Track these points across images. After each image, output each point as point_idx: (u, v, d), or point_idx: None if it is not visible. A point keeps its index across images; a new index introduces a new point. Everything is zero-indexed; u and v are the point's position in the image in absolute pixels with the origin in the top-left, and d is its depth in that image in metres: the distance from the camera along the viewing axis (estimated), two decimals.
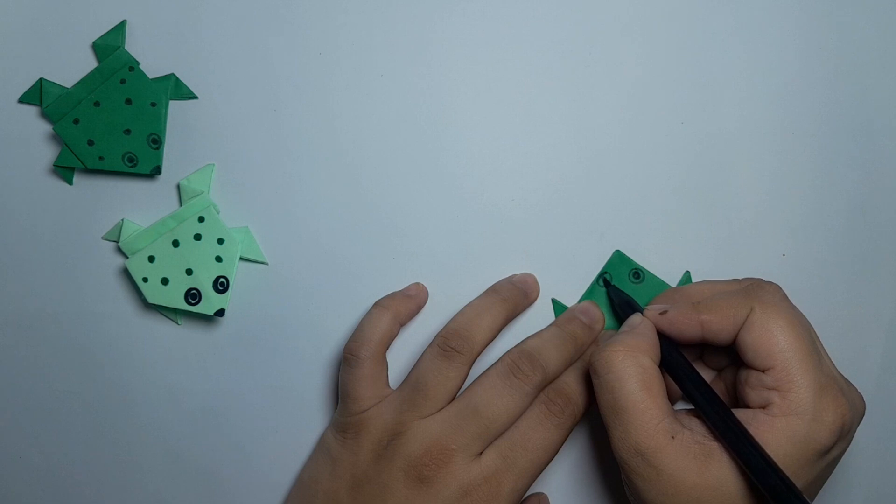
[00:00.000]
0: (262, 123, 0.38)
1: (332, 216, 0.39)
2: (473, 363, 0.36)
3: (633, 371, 0.32)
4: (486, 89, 0.38)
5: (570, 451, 0.39)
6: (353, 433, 0.36)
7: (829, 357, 0.33)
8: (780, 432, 0.31)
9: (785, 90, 0.38)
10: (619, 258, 0.38)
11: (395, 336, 0.38)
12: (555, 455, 0.35)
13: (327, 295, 0.39)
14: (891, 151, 0.38)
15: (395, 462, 0.34)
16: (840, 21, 0.38)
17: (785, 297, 0.33)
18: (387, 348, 0.37)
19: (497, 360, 0.36)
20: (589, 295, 0.38)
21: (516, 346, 0.36)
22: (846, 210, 0.38)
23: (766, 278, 0.37)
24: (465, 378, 0.36)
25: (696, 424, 0.32)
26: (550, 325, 0.38)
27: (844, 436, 0.31)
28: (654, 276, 0.38)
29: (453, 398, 0.36)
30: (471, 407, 0.35)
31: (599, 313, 0.38)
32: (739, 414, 0.32)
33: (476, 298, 0.38)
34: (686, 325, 0.33)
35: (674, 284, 0.38)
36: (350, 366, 0.36)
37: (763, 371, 0.32)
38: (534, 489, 0.38)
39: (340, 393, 0.37)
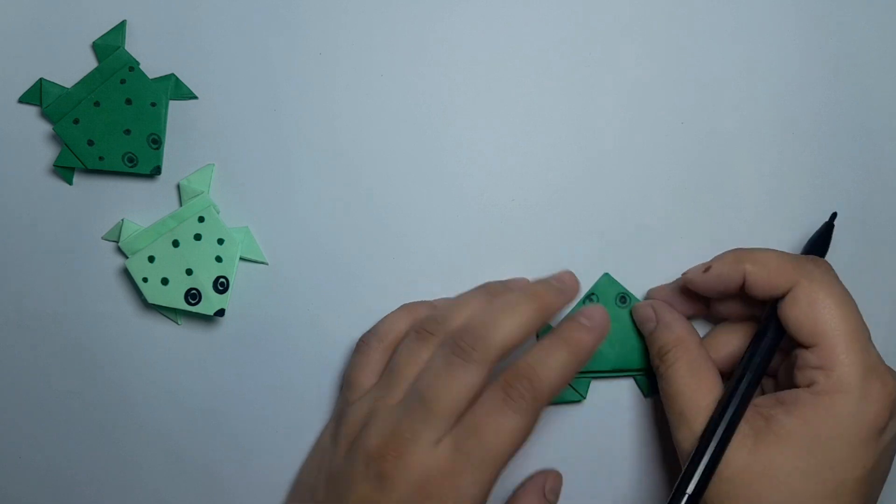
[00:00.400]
0: (262, 123, 0.38)
1: (333, 216, 0.39)
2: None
3: (684, 358, 0.34)
4: (486, 89, 0.38)
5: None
6: (337, 422, 0.35)
7: (873, 344, 0.32)
8: (825, 411, 0.30)
9: (785, 90, 0.38)
10: (607, 281, 0.38)
11: None
12: (523, 442, 0.31)
13: (327, 295, 0.39)
14: (891, 151, 0.38)
15: (358, 454, 0.32)
16: (840, 21, 0.38)
17: (836, 276, 0.33)
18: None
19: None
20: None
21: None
22: (846, 210, 0.38)
23: None
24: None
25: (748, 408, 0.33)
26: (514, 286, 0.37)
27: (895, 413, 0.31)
28: (639, 301, 0.38)
29: None
30: (416, 391, 0.32)
31: (576, 283, 0.35)
32: (784, 395, 0.32)
33: (468, 292, 0.37)
34: (729, 271, 0.34)
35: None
36: (358, 352, 0.36)
37: (807, 348, 0.31)
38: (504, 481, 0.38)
39: (344, 378, 0.37)
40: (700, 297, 0.36)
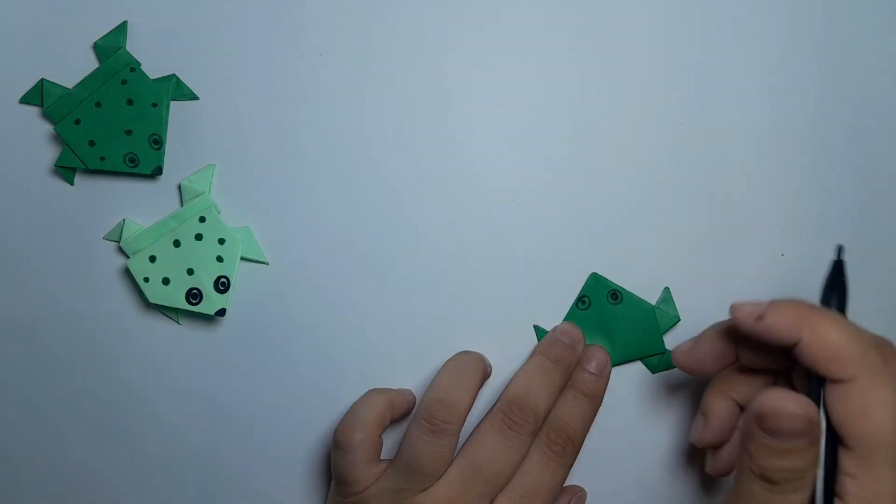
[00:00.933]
0: (263, 124, 0.38)
1: (333, 216, 0.39)
2: (461, 429, 0.35)
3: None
4: (486, 89, 0.38)
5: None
6: None
7: None
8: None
9: (784, 90, 0.38)
10: (595, 280, 0.38)
11: (388, 424, 0.37)
12: (561, 489, 0.36)
13: (327, 295, 0.39)
14: (891, 151, 0.38)
15: None
16: (840, 21, 0.38)
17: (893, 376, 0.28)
18: (382, 432, 0.36)
19: (489, 412, 0.36)
20: (569, 318, 0.38)
21: (504, 391, 0.36)
22: (845, 210, 0.38)
23: (765, 278, 0.38)
24: (457, 444, 0.35)
25: None
26: (533, 354, 0.37)
27: None
28: (632, 296, 0.38)
29: (449, 464, 0.35)
30: (473, 467, 0.34)
31: (580, 333, 0.38)
32: None
33: (449, 361, 0.37)
34: (782, 336, 0.29)
35: (652, 301, 0.38)
36: (344, 450, 0.35)
37: (844, 446, 0.28)
38: None
39: (335, 476, 0.36)
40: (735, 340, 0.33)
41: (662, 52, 0.38)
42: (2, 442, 0.41)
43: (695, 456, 0.39)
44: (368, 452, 0.35)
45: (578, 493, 0.38)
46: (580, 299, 0.38)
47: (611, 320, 0.38)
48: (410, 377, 0.38)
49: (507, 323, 0.38)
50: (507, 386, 0.36)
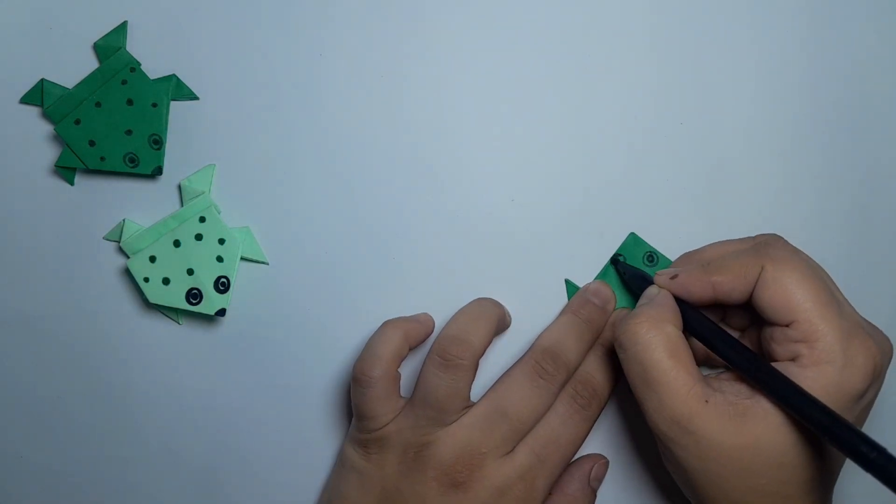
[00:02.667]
0: (263, 124, 0.39)
1: (333, 216, 0.39)
2: (478, 365, 0.36)
3: (659, 340, 0.32)
4: (486, 90, 0.38)
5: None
6: (377, 448, 0.36)
7: (848, 302, 0.33)
8: (812, 382, 0.30)
9: (784, 90, 0.38)
10: (633, 241, 0.38)
11: (405, 356, 0.37)
12: (582, 444, 0.36)
13: (327, 295, 0.39)
14: (890, 152, 0.38)
15: (427, 472, 0.34)
16: (840, 21, 0.38)
17: (795, 249, 0.33)
18: (398, 366, 0.36)
19: (520, 359, 0.36)
20: (602, 276, 0.38)
21: (536, 341, 0.36)
22: (845, 210, 0.38)
23: None
24: (473, 379, 0.36)
25: (727, 386, 0.32)
26: (564, 311, 0.38)
27: (877, 378, 0.31)
28: (668, 260, 0.38)
29: (468, 400, 0.36)
30: (499, 410, 0.35)
31: (611, 293, 0.38)
32: None
33: (466, 306, 0.37)
34: (697, 286, 0.33)
35: None
36: (363, 386, 0.36)
37: (787, 325, 0.31)
38: None
39: (355, 412, 0.36)
40: None
41: (663, 52, 0.38)
42: (2, 442, 0.41)
43: None
44: (387, 387, 0.36)
45: (601, 461, 0.38)
46: (615, 258, 0.38)
47: (644, 281, 0.38)
48: (412, 377, 0.38)
49: (538, 277, 0.38)
50: (539, 337, 0.37)
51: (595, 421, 0.37)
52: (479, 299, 0.38)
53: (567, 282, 0.38)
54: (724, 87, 0.38)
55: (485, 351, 0.36)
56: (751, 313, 0.35)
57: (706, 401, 0.31)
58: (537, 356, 0.36)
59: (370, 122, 0.38)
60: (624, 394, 0.39)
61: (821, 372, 0.30)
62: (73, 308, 0.40)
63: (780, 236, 0.34)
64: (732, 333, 0.36)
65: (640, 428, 0.39)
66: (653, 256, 0.38)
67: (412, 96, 0.38)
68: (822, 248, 0.38)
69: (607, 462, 0.38)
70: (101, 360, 0.40)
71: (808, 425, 0.30)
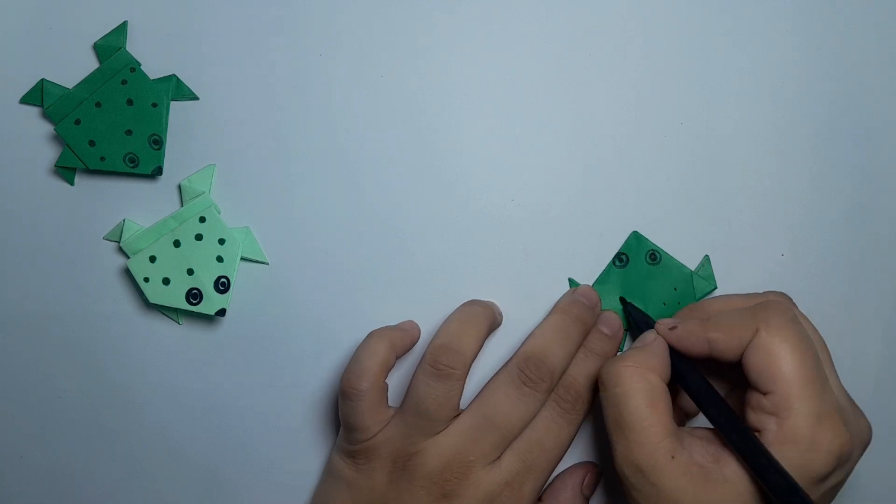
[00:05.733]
0: (263, 124, 0.39)
1: (333, 216, 0.39)
2: (468, 374, 0.36)
3: (640, 388, 0.32)
4: (486, 90, 0.38)
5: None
6: (366, 458, 0.36)
7: (838, 380, 0.33)
8: None
9: (784, 90, 0.38)
10: (636, 239, 0.38)
11: (392, 366, 0.37)
12: (568, 448, 0.36)
13: (327, 295, 0.39)
14: (890, 152, 0.38)
15: (416, 482, 0.34)
16: (839, 21, 0.38)
17: (794, 317, 0.33)
18: (386, 376, 0.37)
19: (505, 365, 0.36)
20: (605, 275, 0.38)
21: (522, 346, 0.36)
22: (845, 210, 0.38)
23: (765, 278, 0.37)
24: (462, 389, 0.36)
25: (697, 445, 0.32)
26: (553, 311, 0.38)
27: (843, 464, 0.31)
28: (671, 258, 0.38)
29: (457, 409, 0.36)
30: (486, 418, 0.35)
31: (597, 297, 0.38)
32: None
33: (457, 308, 0.38)
34: (693, 342, 0.33)
35: (693, 267, 0.38)
36: (352, 399, 0.36)
37: (764, 394, 0.31)
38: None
39: (343, 424, 0.37)
40: None
41: (663, 52, 0.38)
42: (2, 442, 0.41)
43: None
44: (375, 399, 0.36)
45: (594, 470, 0.38)
46: (618, 256, 0.38)
47: (647, 280, 0.38)
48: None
49: (538, 277, 0.38)
50: (525, 341, 0.37)
51: (580, 423, 0.36)
52: (469, 303, 0.38)
53: (570, 280, 0.38)
54: (724, 88, 0.38)
55: (476, 356, 0.36)
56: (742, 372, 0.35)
57: (672, 456, 0.31)
58: (521, 364, 0.36)
59: (370, 122, 0.38)
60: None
61: (782, 452, 0.30)
62: (73, 308, 0.40)
63: (785, 299, 0.34)
64: (723, 387, 0.36)
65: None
66: (655, 254, 0.38)
67: (412, 96, 0.38)
68: (821, 248, 0.38)
69: (601, 472, 0.38)
70: (101, 360, 0.40)
71: (771, 494, 0.30)
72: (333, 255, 0.39)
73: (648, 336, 0.35)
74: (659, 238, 0.38)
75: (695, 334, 0.33)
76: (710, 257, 0.38)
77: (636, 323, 0.37)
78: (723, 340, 0.33)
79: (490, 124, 0.38)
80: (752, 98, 0.38)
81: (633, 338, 0.38)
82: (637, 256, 0.38)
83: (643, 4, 0.38)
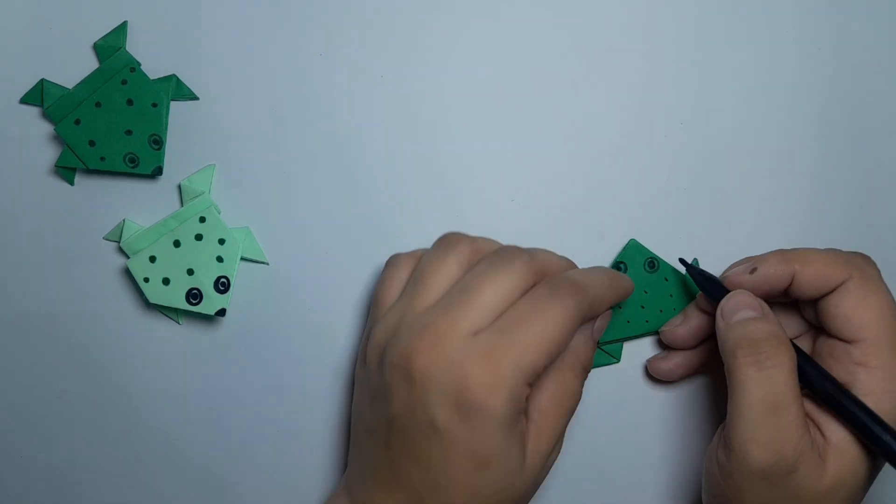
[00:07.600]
0: (263, 124, 0.39)
1: (333, 216, 0.39)
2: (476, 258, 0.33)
3: (790, 367, 0.30)
4: (486, 90, 0.38)
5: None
6: (366, 341, 0.34)
7: None
8: None
9: (784, 90, 0.38)
10: (634, 247, 0.38)
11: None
12: (565, 336, 0.31)
13: (327, 295, 0.39)
14: (890, 151, 0.39)
15: (392, 359, 0.31)
16: (839, 21, 0.38)
17: (882, 278, 0.32)
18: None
19: None
20: None
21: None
22: (845, 210, 0.38)
23: None
24: (465, 272, 0.33)
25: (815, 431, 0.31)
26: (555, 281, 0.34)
27: None
28: (669, 265, 0.38)
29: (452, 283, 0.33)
30: (460, 288, 0.31)
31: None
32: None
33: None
34: (778, 277, 0.32)
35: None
36: (385, 269, 0.35)
37: (850, 342, 0.31)
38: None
39: (372, 313, 0.35)
40: None
41: (663, 52, 0.38)
42: (2, 442, 0.41)
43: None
44: (405, 280, 0.34)
45: (603, 314, 0.35)
46: (616, 265, 0.38)
47: (646, 287, 0.38)
48: None
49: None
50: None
51: (575, 312, 0.31)
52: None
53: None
54: (724, 88, 0.38)
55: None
56: (807, 321, 0.34)
57: (811, 444, 0.30)
58: (503, 246, 0.33)
59: (370, 122, 0.38)
60: (618, 400, 0.39)
61: (875, 402, 0.30)
62: (73, 308, 0.40)
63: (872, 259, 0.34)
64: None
65: (636, 432, 0.39)
66: (654, 262, 0.38)
67: (412, 96, 0.38)
68: (821, 247, 0.38)
69: (609, 313, 0.35)
70: (101, 360, 0.40)
71: (882, 454, 0.29)
72: (333, 255, 0.39)
73: (741, 299, 0.32)
74: (658, 238, 0.38)
75: (779, 269, 0.32)
76: (710, 257, 0.38)
77: (707, 283, 0.35)
78: (810, 275, 0.32)
79: (490, 124, 0.38)
80: (752, 98, 0.38)
81: (709, 296, 0.36)
82: (636, 264, 0.38)
83: (643, 5, 0.38)
